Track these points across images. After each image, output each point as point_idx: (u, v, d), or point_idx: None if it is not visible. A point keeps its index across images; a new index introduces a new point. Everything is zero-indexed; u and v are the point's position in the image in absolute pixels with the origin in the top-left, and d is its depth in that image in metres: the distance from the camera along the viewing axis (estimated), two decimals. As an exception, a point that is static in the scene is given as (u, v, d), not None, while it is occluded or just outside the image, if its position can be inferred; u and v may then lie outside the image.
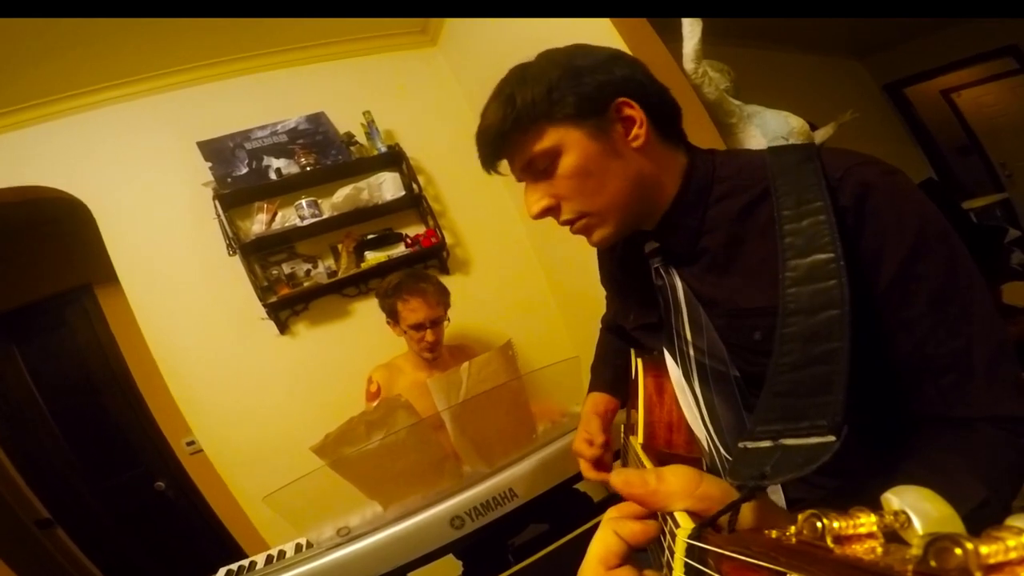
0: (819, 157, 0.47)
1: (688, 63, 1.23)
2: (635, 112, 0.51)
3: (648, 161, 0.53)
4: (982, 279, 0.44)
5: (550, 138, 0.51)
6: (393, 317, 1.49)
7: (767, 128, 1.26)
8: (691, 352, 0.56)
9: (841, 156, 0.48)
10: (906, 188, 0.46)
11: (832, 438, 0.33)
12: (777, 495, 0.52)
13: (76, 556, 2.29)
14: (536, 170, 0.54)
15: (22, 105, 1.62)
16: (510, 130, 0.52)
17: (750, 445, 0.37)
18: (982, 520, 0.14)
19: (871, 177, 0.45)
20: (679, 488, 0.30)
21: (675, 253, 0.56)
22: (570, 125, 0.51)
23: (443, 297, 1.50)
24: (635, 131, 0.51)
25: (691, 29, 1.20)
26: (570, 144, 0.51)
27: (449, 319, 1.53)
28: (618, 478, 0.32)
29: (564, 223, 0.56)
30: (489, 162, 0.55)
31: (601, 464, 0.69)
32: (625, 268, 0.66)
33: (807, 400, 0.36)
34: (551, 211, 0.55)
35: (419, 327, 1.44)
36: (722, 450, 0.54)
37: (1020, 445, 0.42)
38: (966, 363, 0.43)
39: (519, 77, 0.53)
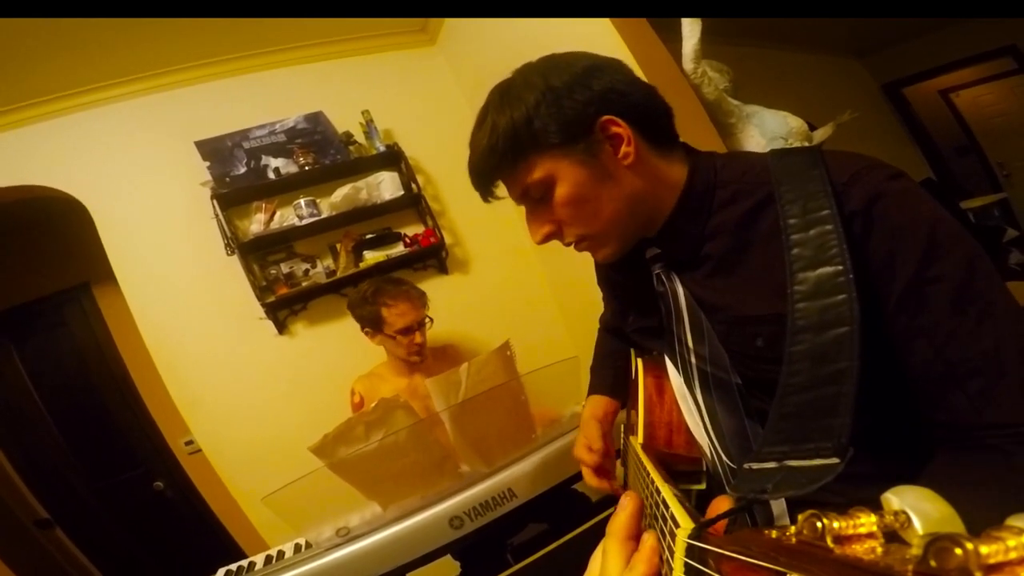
0: (824, 161, 0.46)
1: (687, 63, 1.23)
2: (621, 129, 0.50)
3: (641, 177, 0.52)
4: (1000, 278, 0.43)
5: (541, 169, 0.50)
6: (375, 324, 1.45)
7: (766, 128, 1.26)
8: (692, 359, 0.56)
9: (846, 160, 0.47)
10: (914, 191, 0.45)
11: (836, 460, 0.32)
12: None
13: (75, 556, 2.29)
14: (532, 198, 0.53)
15: (20, 104, 1.61)
16: (498, 163, 0.51)
17: (755, 466, 0.36)
18: None
19: (879, 181, 0.44)
20: None
21: (677, 259, 0.55)
22: (558, 153, 0.50)
23: (424, 298, 1.50)
24: (624, 149, 0.50)
25: (690, 29, 1.20)
26: (562, 173, 0.50)
27: (432, 319, 1.52)
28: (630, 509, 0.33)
29: (567, 245, 0.56)
30: (483, 193, 0.56)
31: (602, 471, 0.69)
32: (623, 272, 0.65)
33: (813, 422, 0.36)
34: (554, 235, 0.55)
35: (408, 330, 1.43)
36: (723, 457, 0.54)
37: None
38: (995, 365, 0.40)
39: (498, 102, 0.52)
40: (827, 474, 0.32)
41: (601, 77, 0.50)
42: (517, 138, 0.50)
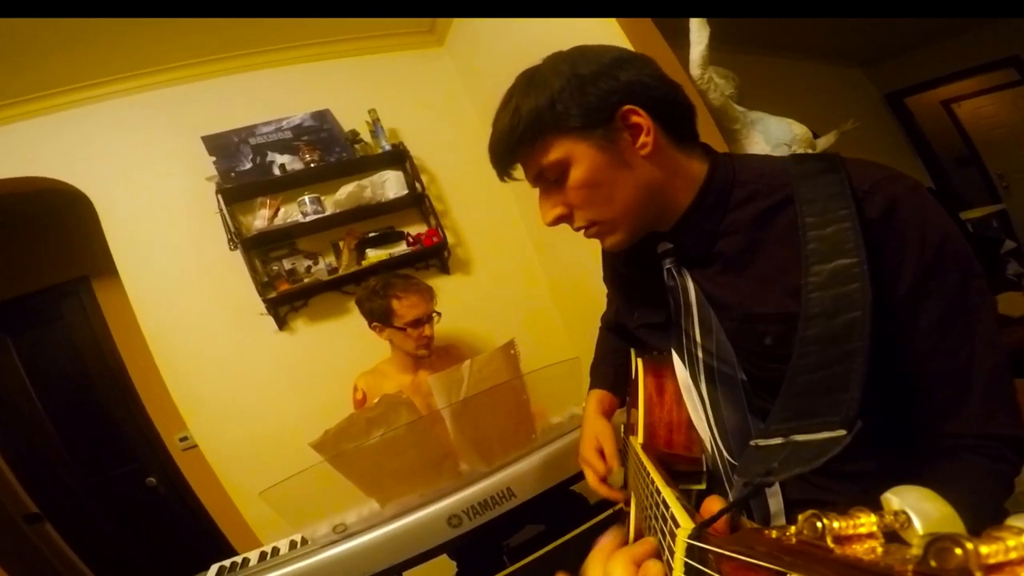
0: (844, 168, 0.47)
1: (694, 69, 1.23)
2: (642, 119, 0.50)
3: (658, 168, 0.52)
4: (992, 300, 0.45)
5: (558, 150, 0.51)
6: (385, 318, 1.45)
7: (770, 135, 1.27)
8: (699, 354, 0.56)
9: (867, 168, 0.48)
10: (931, 205, 0.46)
11: (843, 432, 0.33)
12: (776, 497, 0.52)
13: (64, 552, 2.26)
14: (547, 180, 0.54)
15: (28, 96, 1.61)
16: (517, 143, 0.52)
17: (761, 443, 0.37)
18: None
19: (899, 192, 0.45)
20: None
21: (689, 255, 0.56)
22: (577, 137, 0.50)
23: (432, 292, 1.51)
24: (642, 139, 0.51)
25: (698, 35, 1.21)
26: (578, 156, 0.51)
27: (440, 313, 1.53)
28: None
29: (577, 230, 0.56)
30: (501, 172, 0.56)
31: (606, 481, 0.68)
32: (633, 266, 0.66)
33: (822, 398, 0.37)
34: (565, 219, 0.55)
35: (418, 323, 1.45)
36: (724, 452, 0.54)
37: (999, 471, 0.43)
38: (963, 379, 0.44)
39: (524, 86, 0.53)
40: (833, 447, 0.32)
41: (628, 69, 0.51)
42: (539, 119, 0.50)
